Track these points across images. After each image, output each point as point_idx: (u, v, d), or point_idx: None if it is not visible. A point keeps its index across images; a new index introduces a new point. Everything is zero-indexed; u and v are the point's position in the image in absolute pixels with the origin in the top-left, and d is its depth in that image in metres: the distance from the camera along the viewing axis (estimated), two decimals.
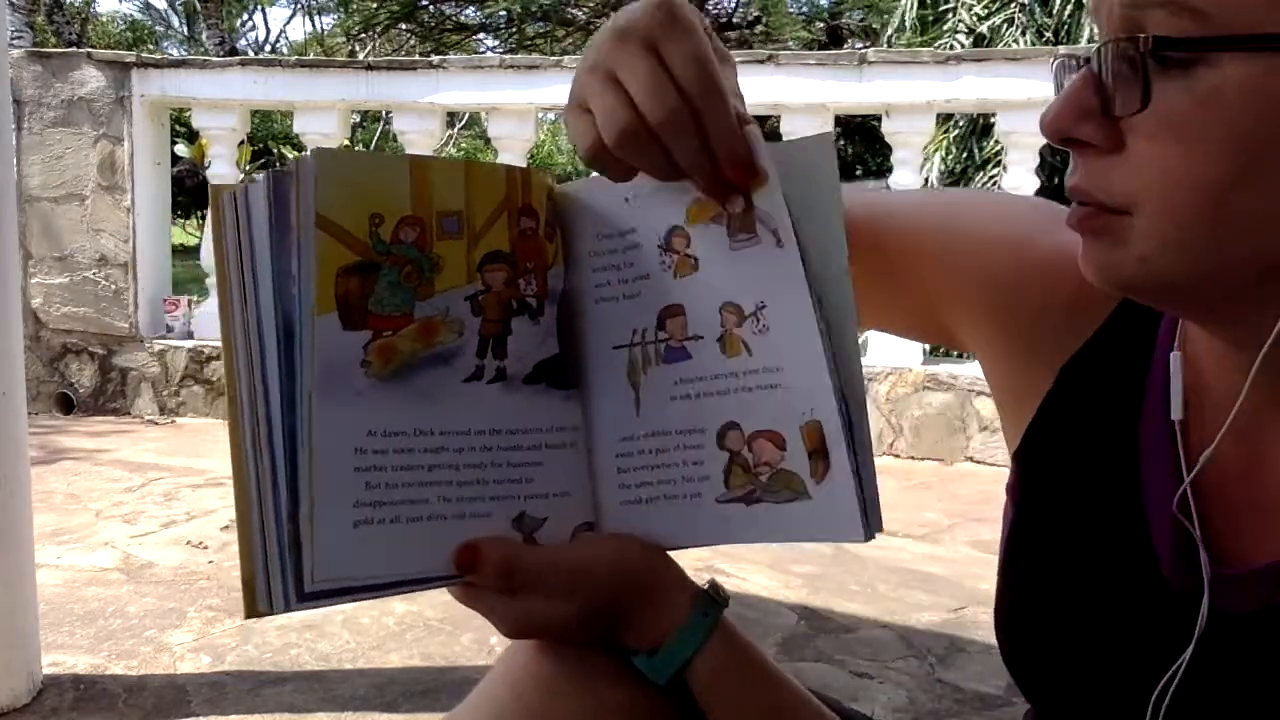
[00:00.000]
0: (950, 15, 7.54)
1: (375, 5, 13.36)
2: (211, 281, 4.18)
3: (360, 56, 12.24)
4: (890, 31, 8.11)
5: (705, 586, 0.58)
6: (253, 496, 0.49)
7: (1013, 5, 7.26)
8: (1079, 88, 0.47)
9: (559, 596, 0.54)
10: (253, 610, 0.49)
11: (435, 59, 4.28)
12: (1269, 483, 0.52)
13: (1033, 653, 0.61)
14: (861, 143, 14.14)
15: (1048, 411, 0.61)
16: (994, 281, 0.63)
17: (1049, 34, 7.04)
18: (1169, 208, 0.45)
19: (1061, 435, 0.60)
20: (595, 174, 0.54)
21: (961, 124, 7.18)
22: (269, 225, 0.49)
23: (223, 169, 4.41)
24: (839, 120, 4.08)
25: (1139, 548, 0.55)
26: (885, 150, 4.26)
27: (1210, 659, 0.51)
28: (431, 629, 2.08)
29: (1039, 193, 3.76)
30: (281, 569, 0.48)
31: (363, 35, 13.67)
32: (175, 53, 16.09)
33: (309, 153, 0.50)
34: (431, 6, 13.60)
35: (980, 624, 2.19)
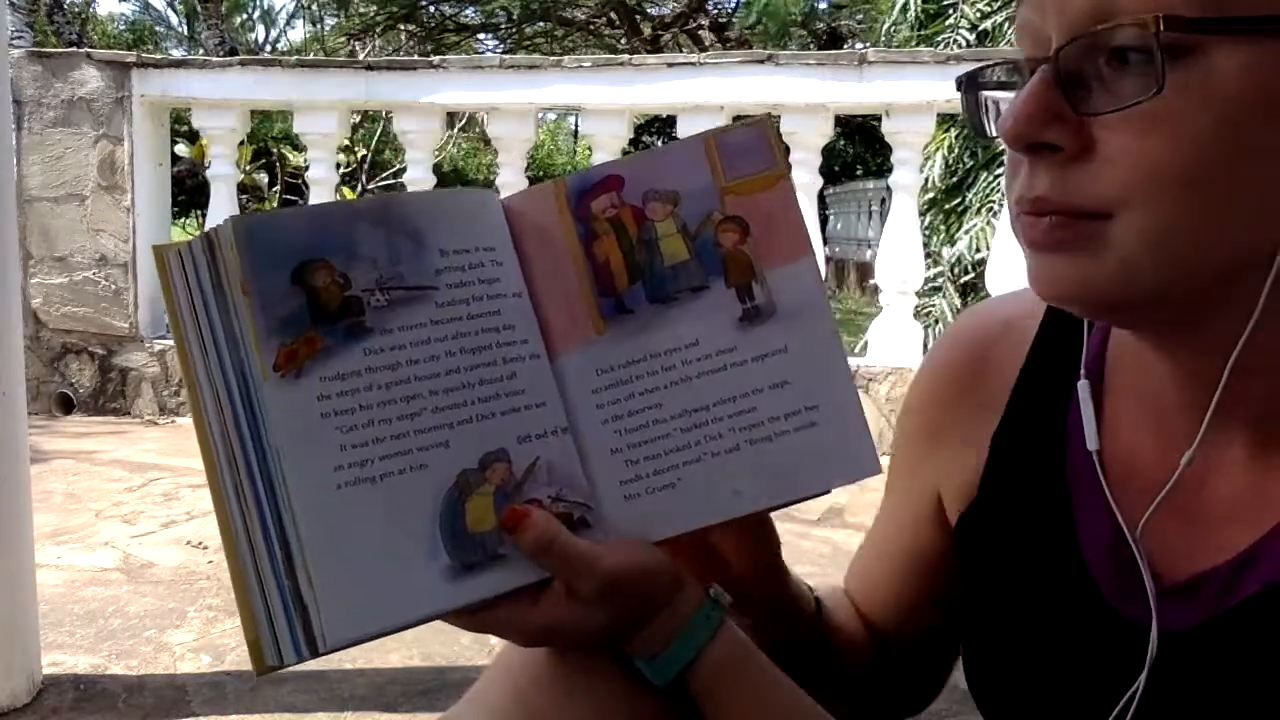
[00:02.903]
0: (951, 11, 7.54)
1: (375, 8, 13.36)
2: None
3: (360, 57, 12.24)
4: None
5: (709, 590, 0.57)
6: (245, 554, 0.49)
7: (1014, 3, 7.25)
8: (1041, 89, 0.45)
9: (592, 603, 0.52)
10: (262, 668, 0.48)
11: (435, 59, 4.26)
12: (1200, 495, 0.52)
13: (997, 695, 0.62)
14: (861, 143, 14.13)
15: (990, 481, 0.63)
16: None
17: None
18: (1159, 205, 0.43)
19: (1002, 495, 0.62)
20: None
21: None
22: (213, 288, 0.49)
23: (223, 169, 4.40)
24: (839, 120, 4.07)
25: (1078, 580, 0.56)
26: (885, 150, 4.25)
27: (1160, 680, 0.52)
28: (432, 628, 2.06)
29: None
30: (289, 623, 0.48)
31: (362, 35, 13.66)
32: (175, 53, 16.10)
33: (227, 221, 0.49)
34: (431, 7, 13.61)
35: None
